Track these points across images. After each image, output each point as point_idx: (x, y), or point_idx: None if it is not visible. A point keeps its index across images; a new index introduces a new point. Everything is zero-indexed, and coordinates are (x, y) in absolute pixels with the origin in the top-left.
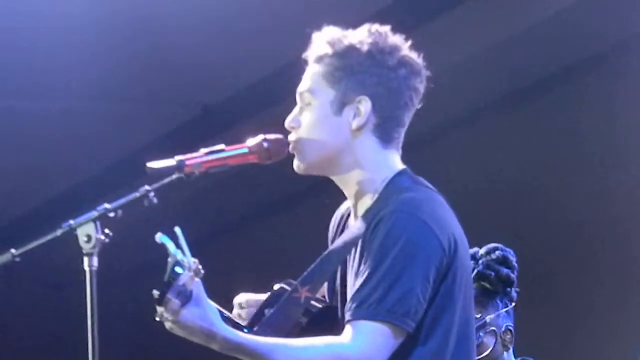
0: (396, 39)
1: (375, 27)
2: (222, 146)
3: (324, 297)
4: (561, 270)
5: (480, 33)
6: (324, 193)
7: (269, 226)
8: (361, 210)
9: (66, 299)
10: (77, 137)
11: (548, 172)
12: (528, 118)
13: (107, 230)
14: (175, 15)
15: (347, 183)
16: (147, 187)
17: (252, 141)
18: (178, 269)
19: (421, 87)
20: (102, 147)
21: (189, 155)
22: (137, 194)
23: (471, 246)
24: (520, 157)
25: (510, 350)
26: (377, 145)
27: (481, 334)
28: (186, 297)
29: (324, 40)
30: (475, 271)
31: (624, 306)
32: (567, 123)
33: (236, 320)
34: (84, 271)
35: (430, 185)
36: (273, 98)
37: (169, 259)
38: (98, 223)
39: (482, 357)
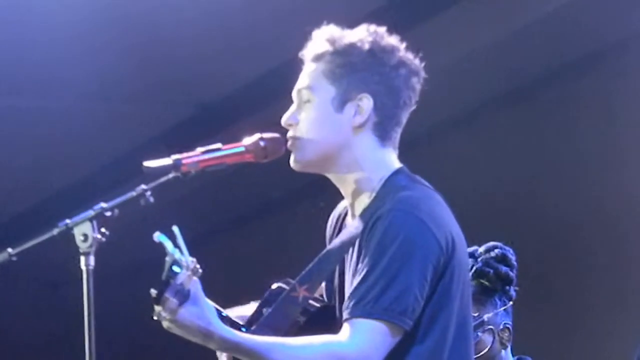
0: (393, 40)
1: (373, 27)
2: (218, 145)
3: (322, 296)
4: (559, 269)
5: (476, 33)
6: (321, 192)
7: (266, 225)
8: (358, 209)
9: (63, 298)
10: (73, 136)
11: (546, 171)
12: (525, 117)
13: (103, 230)
14: (172, 14)
15: (345, 182)
16: (143, 186)
17: (248, 140)
18: (176, 268)
19: (418, 87)
20: (98, 146)
21: (185, 154)
22: (133, 193)
23: (469, 245)
24: (518, 156)
25: (508, 349)
26: (375, 144)
27: (479, 332)
28: (184, 296)
29: (324, 38)
30: (474, 269)
31: (622, 305)
32: (565, 122)
33: (234, 319)
34: (81, 270)
35: (427, 184)
36: (269, 97)
37: (167, 258)
38: (95, 222)
39: (479, 356)
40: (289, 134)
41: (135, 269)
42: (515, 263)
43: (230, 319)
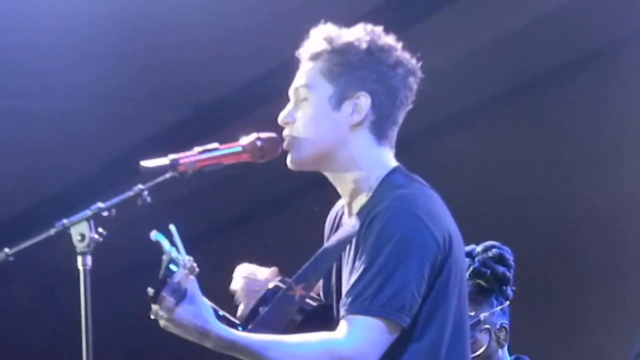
0: (390, 39)
1: (370, 26)
2: (215, 145)
3: (318, 295)
4: (557, 269)
5: (473, 33)
6: (318, 191)
7: (263, 224)
8: (355, 207)
9: (60, 297)
10: (71, 137)
11: (543, 170)
12: (523, 117)
13: (100, 230)
14: (171, 16)
15: (342, 180)
16: (140, 186)
17: (245, 140)
18: (173, 267)
19: (415, 87)
20: (95, 147)
21: (182, 154)
22: (130, 193)
23: (466, 244)
24: (515, 155)
25: (505, 348)
26: (372, 142)
27: (476, 332)
28: (181, 295)
29: (321, 37)
30: (471, 269)
31: (620, 305)
32: (562, 122)
33: (230, 318)
34: (78, 270)
35: (424, 182)
36: (266, 97)
37: (164, 257)
38: (92, 222)
39: (476, 355)
40: (285, 132)
41: (132, 268)
42: (512, 263)
43: (227, 318)
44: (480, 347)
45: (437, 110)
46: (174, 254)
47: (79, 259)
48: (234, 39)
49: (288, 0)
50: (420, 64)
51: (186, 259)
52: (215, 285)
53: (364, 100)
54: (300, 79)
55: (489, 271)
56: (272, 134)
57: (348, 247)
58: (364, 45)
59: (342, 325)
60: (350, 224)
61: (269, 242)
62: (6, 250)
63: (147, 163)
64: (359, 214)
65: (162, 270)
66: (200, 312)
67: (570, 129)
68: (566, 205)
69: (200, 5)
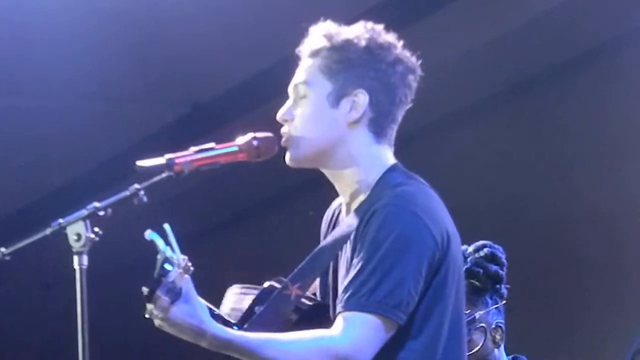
0: (390, 37)
1: (370, 24)
2: (212, 144)
3: (314, 294)
4: (557, 269)
5: (473, 31)
6: (315, 191)
7: (259, 223)
8: (353, 205)
9: (56, 297)
10: (67, 136)
11: (543, 169)
12: (523, 115)
13: (97, 229)
14: (167, 14)
15: (340, 178)
16: (137, 186)
17: (241, 139)
18: (167, 266)
19: (415, 85)
20: (91, 146)
21: (179, 154)
22: (127, 193)
23: (466, 243)
24: (515, 154)
25: (502, 348)
26: (370, 140)
27: (471, 331)
28: (175, 294)
29: (321, 34)
30: (464, 269)
31: (619, 305)
32: (563, 120)
33: (226, 317)
34: (74, 270)
35: (423, 180)
36: (263, 96)
37: (158, 256)
38: (88, 222)
39: (471, 354)
40: (283, 129)
41: (128, 268)
42: (505, 261)
43: (222, 317)
44: (475, 347)
45: (437, 108)
46: (169, 253)
47: (75, 258)
48: (232, 38)
49: None
50: (420, 62)
51: (181, 258)
52: (211, 284)
53: (362, 98)
54: (299, 75)
55: (481, 270)
56: (269, 134)
57: (345, 245)
58: (363, 43)
59: (338, 321)
60: (347, 222)
61: (264, 241)
62: (2, 249)
63: (143, 163)
64: (356, 211)
65: (157, 270)
66: (195, 311)
67: (570, 128)
68: (566, 205)
69: (199, 3)
